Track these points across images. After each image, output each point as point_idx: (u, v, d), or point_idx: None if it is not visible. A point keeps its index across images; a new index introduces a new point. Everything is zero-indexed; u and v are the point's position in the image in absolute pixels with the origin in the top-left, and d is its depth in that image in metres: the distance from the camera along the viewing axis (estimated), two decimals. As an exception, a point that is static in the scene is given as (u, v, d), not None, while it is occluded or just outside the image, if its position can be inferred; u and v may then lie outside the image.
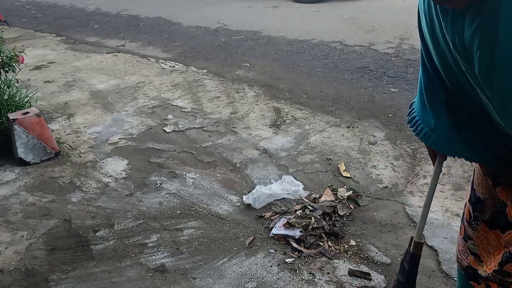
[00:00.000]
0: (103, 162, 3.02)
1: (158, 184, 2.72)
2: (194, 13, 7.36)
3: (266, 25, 6.25)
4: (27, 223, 2.44)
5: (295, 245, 2.13)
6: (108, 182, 2.79)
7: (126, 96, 4.15)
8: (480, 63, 0.67)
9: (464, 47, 0.71)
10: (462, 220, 1.15)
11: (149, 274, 2.03)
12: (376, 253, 2.07)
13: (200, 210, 2.46)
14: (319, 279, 1.94)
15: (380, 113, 3.46)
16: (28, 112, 3.04)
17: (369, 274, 1.95)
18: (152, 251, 2.17)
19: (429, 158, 1.20)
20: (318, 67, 4.57)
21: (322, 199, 2.44)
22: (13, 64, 3.32)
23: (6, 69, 3.31)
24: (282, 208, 2.39)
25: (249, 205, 2.44)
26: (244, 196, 2.50)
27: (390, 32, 5.38)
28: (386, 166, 2.76)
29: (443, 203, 2.37)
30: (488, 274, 1.03)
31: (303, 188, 2.54)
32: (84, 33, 6.76)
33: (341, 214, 2.31)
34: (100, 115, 3.78)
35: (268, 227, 2.28)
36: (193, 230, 2.31)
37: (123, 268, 2.08)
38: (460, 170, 2.64)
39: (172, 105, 3.88)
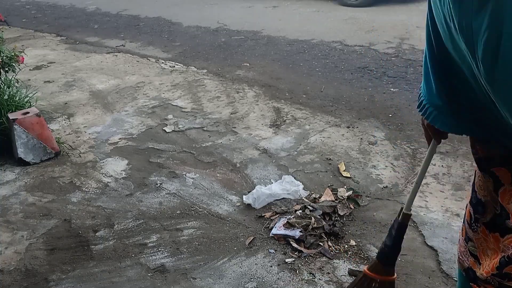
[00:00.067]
0: (103, 162, 3.02)
1: (158, 184, 2.72)
2: (194, 13, 7.36)
3: (266, 25, 6.25)
4: (27, 223, 2.44)
5: (295, 245, 2.13)
6: (108, 182, 2.79)
7: (126, 96, 4.15)
8: (484, 52, 0.66)
9: (471, 33, 0.69)
10: (463, 221, 1.15)
11: (149, 274, 2.03)
12: (376, 253, 2.07)
13: (200, 210, 2.46)
14: (319, 279, 1.94)
15: (380, 113, 3.46)
16: (28, 112, 3.04)
17: (369, 274, 1.95)
18: (152, 251, 2.17)
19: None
20: (318, 67, 4.57)
21: (322, 199, 2.44)
22: (13, 64, 3.32)
23: (6, 69, 3.31)
24: (282, 208, 2.39)
25: (249, 205, 2.44)
26: (244, 196, 2.50)
27: (390, 32, 5.38)
28: (386, 166, 2.76)
29: (443, 203, 2.37)
30: (487, 277, 1.03)
31: (303, 188, 2.54)
32: (84, 33, 6.76)
33: (341, 214, 2.31)
34: (100, 115, 3.78)
35: (268, 227, 2.28)
36: (193, 230, 2.31)
37: (123, 268, 2.08)
38: (460, 170, 2.64)
39: (172, 105, 3.88)
